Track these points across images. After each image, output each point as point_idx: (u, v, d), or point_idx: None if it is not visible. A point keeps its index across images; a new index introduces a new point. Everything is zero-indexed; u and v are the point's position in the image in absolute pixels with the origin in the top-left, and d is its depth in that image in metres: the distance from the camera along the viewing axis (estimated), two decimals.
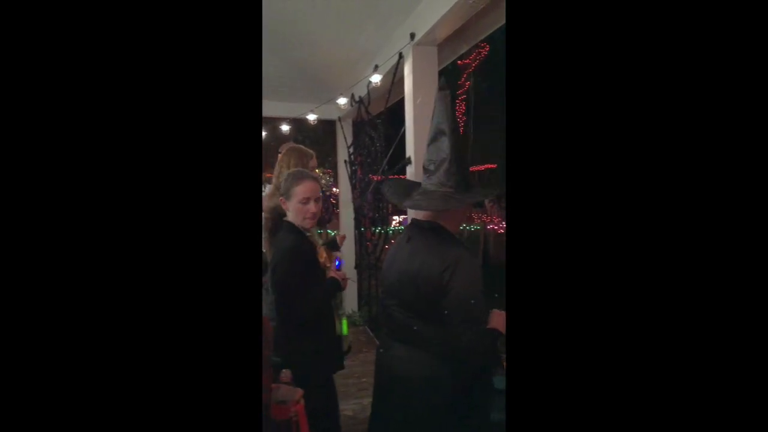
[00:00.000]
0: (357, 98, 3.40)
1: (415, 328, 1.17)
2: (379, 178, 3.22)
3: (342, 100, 3.36)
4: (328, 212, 1.82)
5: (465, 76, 8.70)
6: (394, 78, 2.76)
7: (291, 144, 2.15)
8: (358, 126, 3.73)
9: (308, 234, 1.55)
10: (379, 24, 2.55)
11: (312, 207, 1.48)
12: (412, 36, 2.36)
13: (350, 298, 4.21)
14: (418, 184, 1.28)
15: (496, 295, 1.55)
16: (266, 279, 1.55)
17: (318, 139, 7.50)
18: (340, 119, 4.19)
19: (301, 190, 1.47)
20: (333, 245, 1.70)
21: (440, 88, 1.23)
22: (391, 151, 3.07)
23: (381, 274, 1.37)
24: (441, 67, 2.69)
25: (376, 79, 2.77)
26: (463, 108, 8.93)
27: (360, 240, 3.93)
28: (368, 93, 3.16)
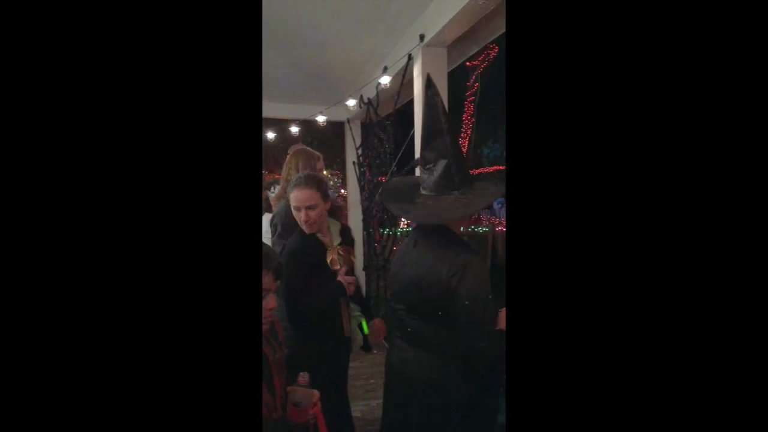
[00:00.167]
0: (366, 100, 3.40)
1: (423, 331, 1.16)
2: (388, 179, 3.22)
3: (351, 102, 3.37)
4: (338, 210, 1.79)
5: (474, 77, 8.68)
6: (403, 79, 2.77)
7: (299, 146, 2.16)
8: (367, 128, 3.74)
9: (318, 235, 1.55)
10: (388, 26, 2.55)
11: (302, 215, 1.48)
12: (422, 37, 2.36)
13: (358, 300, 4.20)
14: (417, 185, 1.26)
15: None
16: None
17: (327, 140, 7.52)
18: (348, 121, 4.20)
19: (293, 197, 1.48)
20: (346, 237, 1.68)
21: (428, 87, 1.19)
22: (400, 153, 3.07)
23: (389, 278, 1.36)
24: (450, 69, 2.69)
25: (385, 80, 2.77)
26: (472, 109, 8.91)
27: (368, 241, 3.94)
28: (377, 94, 3.17)
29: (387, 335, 1.54)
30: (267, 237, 1.90)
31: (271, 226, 1.85)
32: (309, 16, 2.43)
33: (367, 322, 1.68)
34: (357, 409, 2.47)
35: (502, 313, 1.14)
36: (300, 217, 1.49)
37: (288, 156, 2.03)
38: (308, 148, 2.07)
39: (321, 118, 3.80)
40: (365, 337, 1.71)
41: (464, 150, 8.93)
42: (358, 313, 1.71)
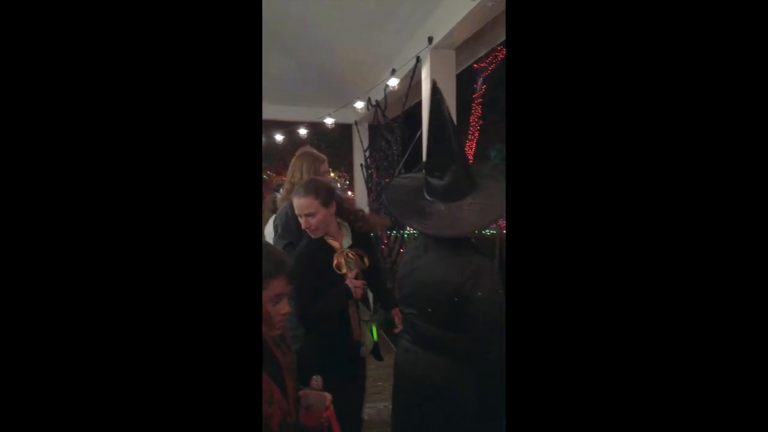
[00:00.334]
0: (374, 102, 3.41)
1: (434, 334, 1.16)
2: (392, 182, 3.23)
3: (359, 104, 3.38)
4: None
5: (481, 79, 8.67)
6: (411, 81, 2.77)
7: (305, 148, 2.17)
8: (375, 130, 3.75)
9: (327, 238, 1.56)
10: (397, 28, 2.56)
11: (302, 222, 1.51)
12: (430, 40, 2.36)
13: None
14: (421, 186, 1.24)
15: None
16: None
17: (335, 142, 7.54)
18: (356, 123, 4.21)
19: (294, 205, 1.52)
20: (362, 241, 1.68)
21: (434, 93, 1.17)
22: (407, 155, 3.07)
23: (397, 282, 1.35)
24: (458, 71, 2.68)
25: (393, 83, 2.77)
26: (479, 111, 8.89)
27: (375, 243, 3.93)
28: (385, 97, 3.17)
29: (394, 338, 1.54)
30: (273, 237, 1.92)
31: (273, 227, 1.87)
32: (317, 19, 2.44)
33: (386, 320, 1.68)
34: (365, 412, 2.46)
35: None
36: (302, 223, 1.52)
37: (293, 158, 2.05)
38: (313, 151, 2.08)
39: (329, 121, 3.82)
40: (375, 344, 1.71)
41: (472, 152, 8.91)
42: (368, 318, 1.71)
